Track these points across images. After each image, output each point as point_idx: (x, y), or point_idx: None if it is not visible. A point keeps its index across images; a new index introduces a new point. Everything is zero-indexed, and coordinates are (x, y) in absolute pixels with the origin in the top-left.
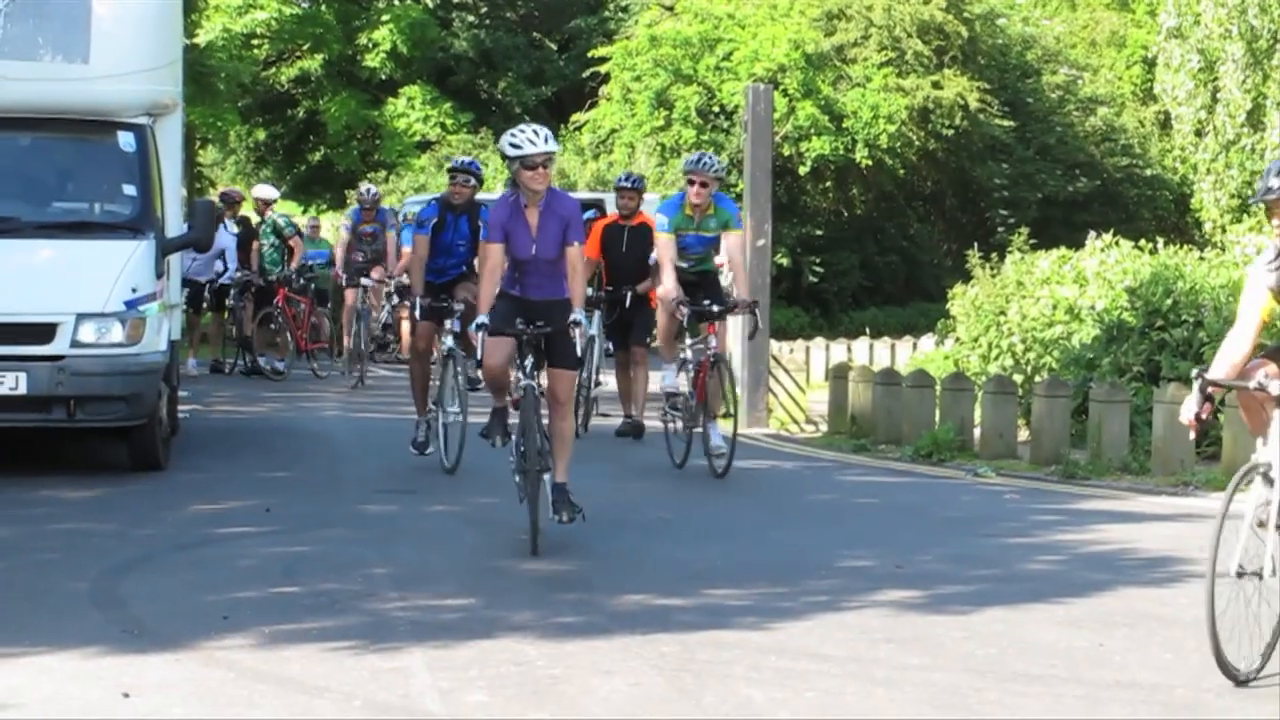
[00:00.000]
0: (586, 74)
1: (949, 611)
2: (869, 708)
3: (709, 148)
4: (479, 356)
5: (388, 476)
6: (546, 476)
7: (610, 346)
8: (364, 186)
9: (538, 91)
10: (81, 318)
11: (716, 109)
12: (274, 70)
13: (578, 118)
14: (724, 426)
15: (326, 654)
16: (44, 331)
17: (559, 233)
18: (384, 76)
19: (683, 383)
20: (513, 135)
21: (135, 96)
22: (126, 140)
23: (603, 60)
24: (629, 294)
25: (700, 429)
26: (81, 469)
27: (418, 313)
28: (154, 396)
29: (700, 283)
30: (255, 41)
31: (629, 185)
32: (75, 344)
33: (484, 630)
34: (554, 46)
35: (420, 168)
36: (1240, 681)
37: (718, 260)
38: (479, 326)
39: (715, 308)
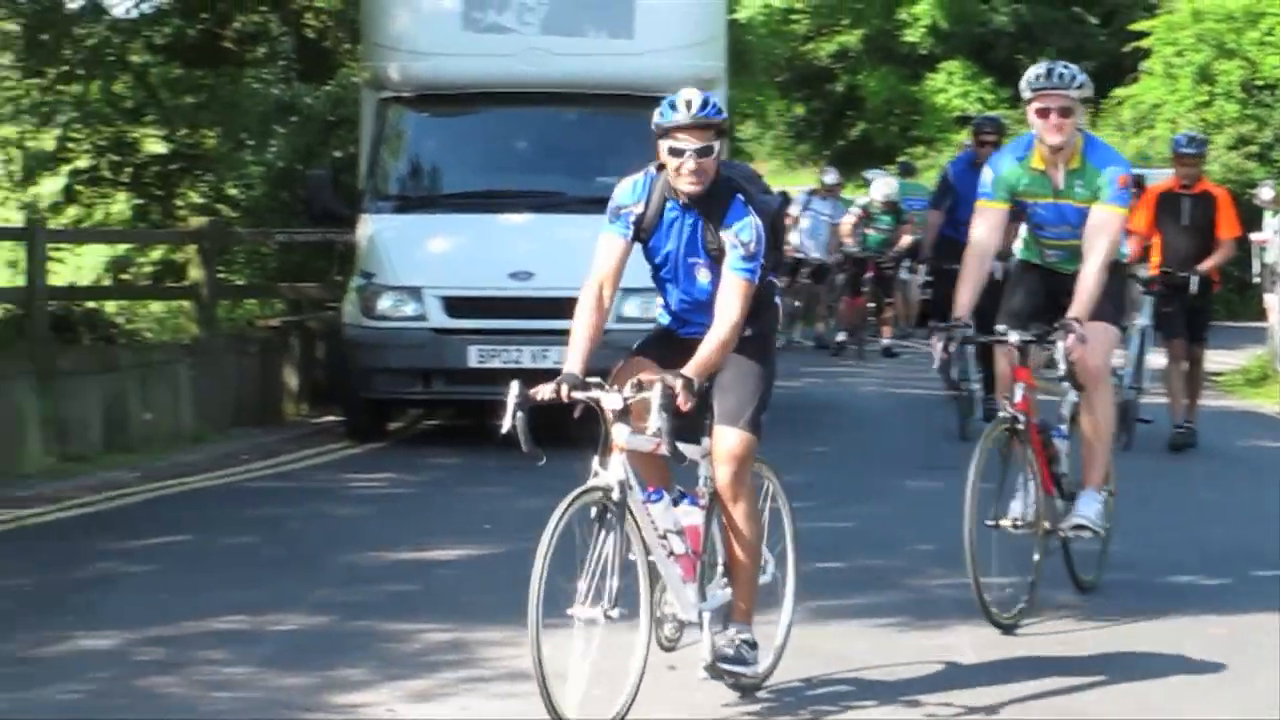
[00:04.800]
0: (1127, 48)
1: None
2: None
3: (1252, 124)
4: None
5: (928, 452)
6: None
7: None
8: None
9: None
10: (626, 292)
11: (1260, 83)
12: (813, 45)
13: (1118, 93)
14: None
15: (871, 629)
16: None
17: None
18: (923, 51)
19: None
20: None
21: (678, 71)
22: None
23: (1144, 34)
24: (1192, 279)
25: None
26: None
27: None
28: None
29: (1073, 289)
30: (794, 16)
31: (1191, 151)
32: (620, 318)
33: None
34: (1095, 20)
35: (960, 143)
36: None
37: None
38: None
39: (1013, 336)
